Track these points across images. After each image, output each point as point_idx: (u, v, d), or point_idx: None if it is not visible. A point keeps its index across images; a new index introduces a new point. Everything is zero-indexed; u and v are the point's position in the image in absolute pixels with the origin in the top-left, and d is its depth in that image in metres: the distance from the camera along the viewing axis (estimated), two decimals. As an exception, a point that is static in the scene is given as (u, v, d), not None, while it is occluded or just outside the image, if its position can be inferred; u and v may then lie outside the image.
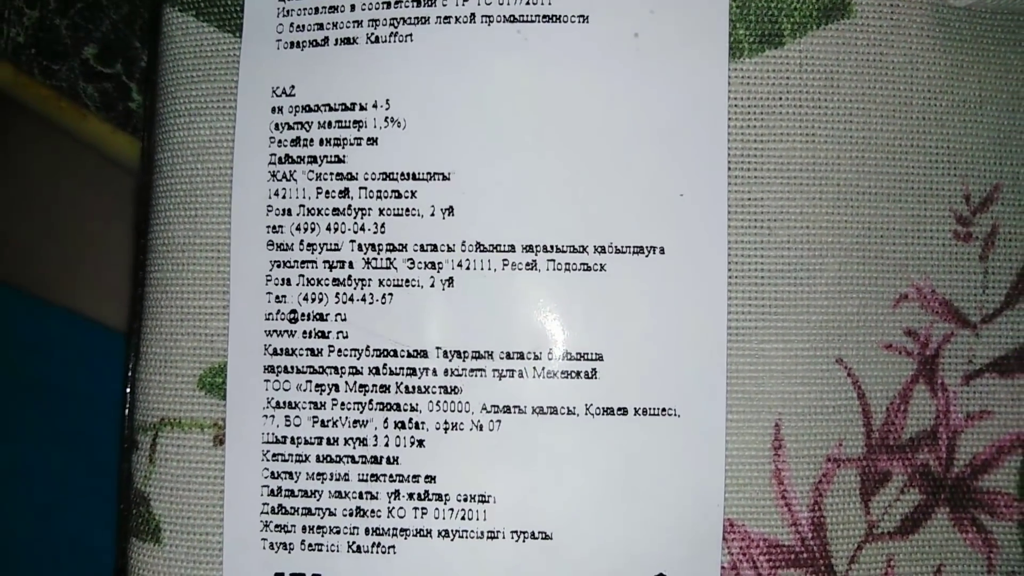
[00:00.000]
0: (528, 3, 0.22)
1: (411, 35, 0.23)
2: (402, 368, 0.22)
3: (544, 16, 0.22)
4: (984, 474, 0.23)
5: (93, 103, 0.29)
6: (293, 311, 0.23)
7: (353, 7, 0.23)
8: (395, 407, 0.22)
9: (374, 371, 0.22)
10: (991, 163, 0.23)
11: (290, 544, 0.22)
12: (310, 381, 0.23)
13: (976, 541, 0.23)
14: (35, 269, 0.32)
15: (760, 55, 0.23)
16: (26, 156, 0.32)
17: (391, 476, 0.22)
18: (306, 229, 0.23)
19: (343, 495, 0.22)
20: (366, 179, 0.23)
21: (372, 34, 0.23)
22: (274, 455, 0.23)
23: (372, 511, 0.22)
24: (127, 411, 0.25)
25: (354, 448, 0.22)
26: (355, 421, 0.22)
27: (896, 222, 0.23)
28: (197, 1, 0.24)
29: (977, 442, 0.23)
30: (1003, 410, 0.23)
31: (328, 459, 0.22)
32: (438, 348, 0.22)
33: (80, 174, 0.31)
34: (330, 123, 0.23)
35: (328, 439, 0.22)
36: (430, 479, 0.22)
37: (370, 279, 0.22)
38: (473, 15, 0.22)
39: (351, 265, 0.22)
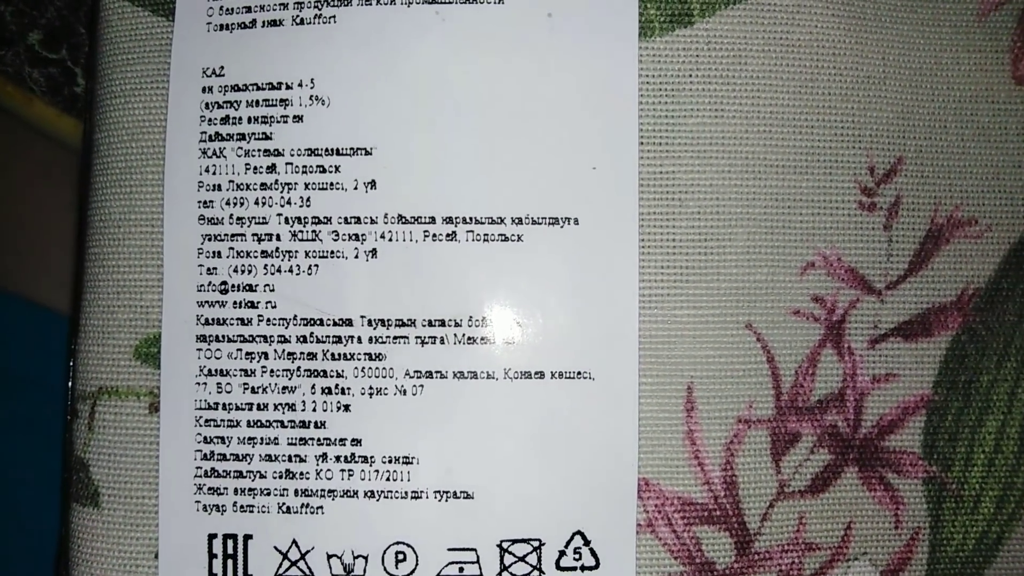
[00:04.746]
0: (446, -15, 0.23)
1: (334, 17, 0.24)
2: (328, 336, 0.23)
3: (462, -3, 0.23)
4: (890, 434, 0.24)
5: (39, 88, 0.30)
6: (224, 283, 0.24)
7: (280, -10, 0.24)
8: (322, 373, 0.23)
9: (301, 339, 0.23)
10: (894, 136, 0.24)
11: (222, 506, 0.23)
12: (240, 349, 0.23)
13: (884, 498, 0.24)
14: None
15: (670, 34, 0.24)
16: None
17: (319, 439, 0.23)
18: (235, 204, 0.24)
19: (273, 458, 0.23)
20: (292, 155, 0.23)
21: (297, 16, 0.24)
22: (207, 421, 0.23)
23: (301, 473, 0.23)
24: (69, 383, 0.25)
25: (283, 413, 0.23)
26: (284, 387, 0.23)
27: (803, 193, 0.24)
28: (134, -14, 0.25)
29: (883, 403, 0.24)
30: (907, 373, 0.24)
31: (258, 424, 0.23)
32: (362, 316, 0.23)
33: (31, 158, 0.32)
34: (258, 102, 0.24)
35: (258, 405, 0.23)
36: (356, 442, 0.23)
37: (297, 251, 0.23)
38: (394, -3, 0.23)
39: (278, 238, 0.23)
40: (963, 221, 0.24)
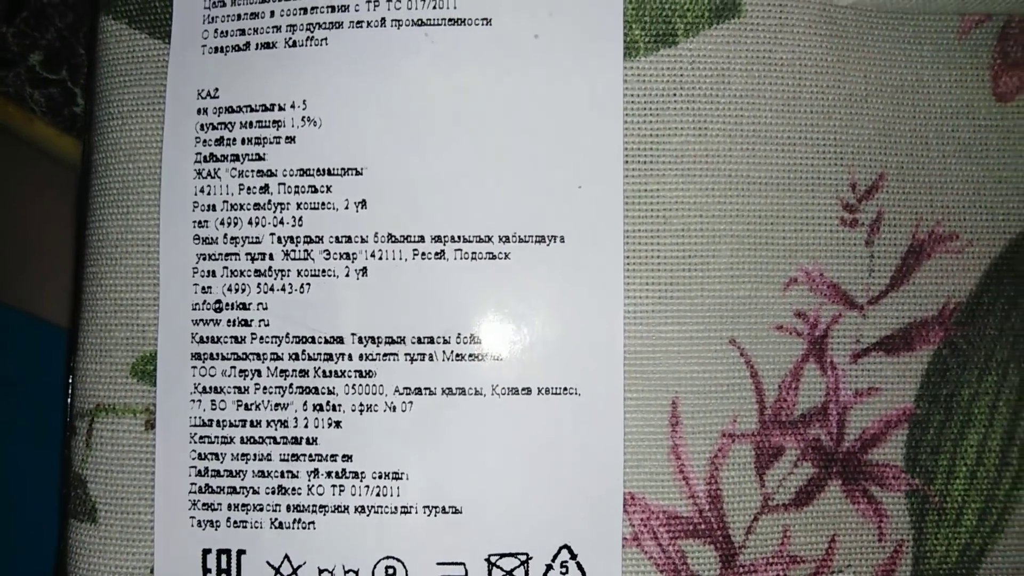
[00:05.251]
0: (434, 7, 0.24)
1: (326, 39, 0.24)
2: (320, 354, 0.24)
3: (449, 19, 0.24)
4: (873, 448, 0.25)
5: (39, 108, 0.30)
6: (218, 301, 0.24)
7: (272, 13, 0.24)
8: (314, 390, 0.24)
9: (294, 357, 0.24)
10: (876, 153, 0.25)
11: (216, 521, 0.24)
12: (234, 367, 0.24)
13: (867, 511, 0.24)
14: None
15: (655, 54, 0.24)
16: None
17: (310, 456, 0.24)
18: (229, 223, 0.24)
19: (266, 474, 0.24)
20: (285, 175, 0.24)
21: (290, 39, 0.24)
22: (201, 437, 0.24)
23: (293, 489, 0.24)
24: (68, 400, 0.26)
25: (276, 430, 0.24)
26: (276, 404, 0.24)
27: (785, 210, 0.24)
28: (130, 10, 0.25)
29: (866, 417, 0.24)
30: (889, 387, 0.25)
31: (252, 440, 0.24)
32: (353, 334, 0.24)
33: (31, 176, 0.32)
34: (251, 123, 0.24)
35: (251, 421, 0.24)
36: (347, 458, 0.24)
37: (289, 270, 0.24)
38: (383, 19, 0.24)
39: (271, 257, 0.24)
40: (944, 236, 0.25)
